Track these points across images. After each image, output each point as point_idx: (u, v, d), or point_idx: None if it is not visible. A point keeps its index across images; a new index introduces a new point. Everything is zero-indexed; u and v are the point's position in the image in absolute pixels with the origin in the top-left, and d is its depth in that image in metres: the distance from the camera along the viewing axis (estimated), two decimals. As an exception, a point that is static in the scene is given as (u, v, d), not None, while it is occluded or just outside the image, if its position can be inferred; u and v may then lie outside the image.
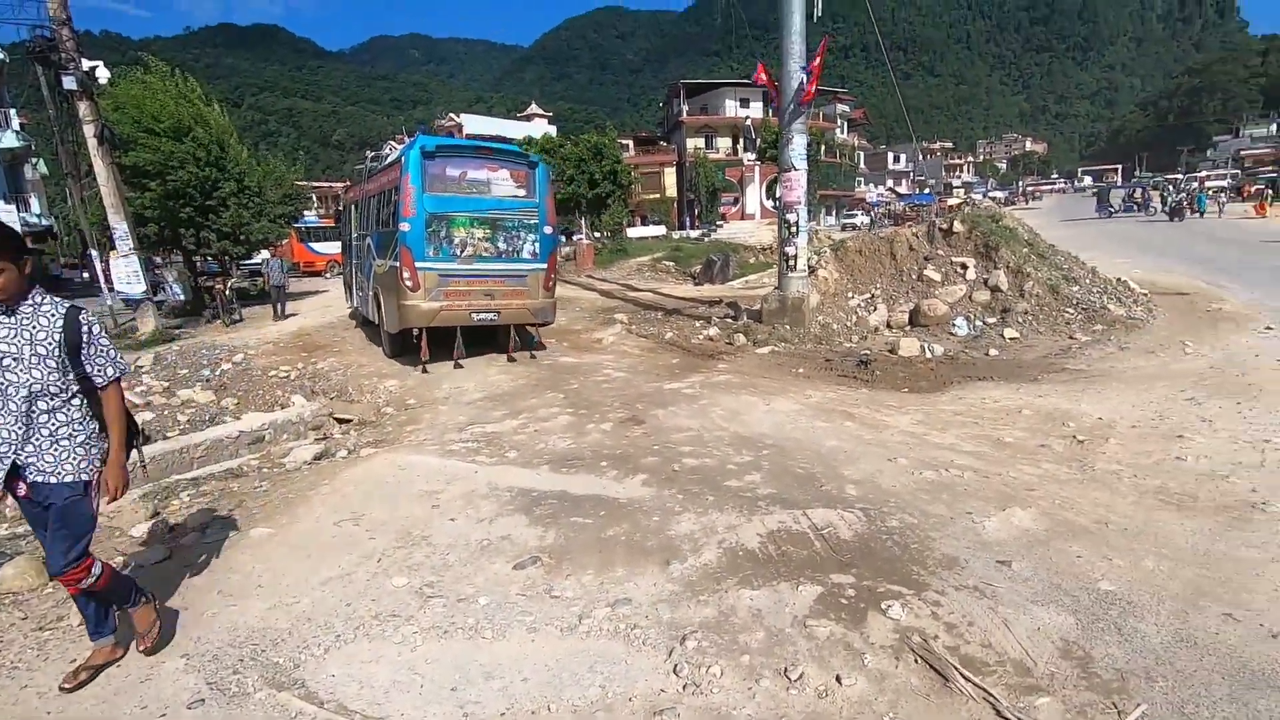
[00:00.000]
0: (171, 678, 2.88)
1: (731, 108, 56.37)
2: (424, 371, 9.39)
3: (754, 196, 29.35)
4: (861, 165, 78.54)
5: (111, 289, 13.42)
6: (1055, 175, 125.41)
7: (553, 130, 53.66)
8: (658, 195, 53.38)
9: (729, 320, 11.18)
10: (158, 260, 19.92)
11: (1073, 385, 6.74)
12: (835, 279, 11.27)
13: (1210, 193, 35.46)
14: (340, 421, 8.19)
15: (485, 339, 10.42)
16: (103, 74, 12.65)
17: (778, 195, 10.50)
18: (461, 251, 9.25)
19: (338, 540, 4.18)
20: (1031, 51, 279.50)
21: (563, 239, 31.65)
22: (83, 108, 12.65)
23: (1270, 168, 64.44)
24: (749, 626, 3.05)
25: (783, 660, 2.80)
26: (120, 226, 12.67)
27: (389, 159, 11.48)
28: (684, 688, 2.68)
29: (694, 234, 39.52)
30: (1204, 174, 66.30)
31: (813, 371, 8.10)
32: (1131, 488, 4.28)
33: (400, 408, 7.96)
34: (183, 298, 17.92)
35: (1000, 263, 10.39)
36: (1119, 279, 11.08)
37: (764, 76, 10.51)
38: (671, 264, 23.21)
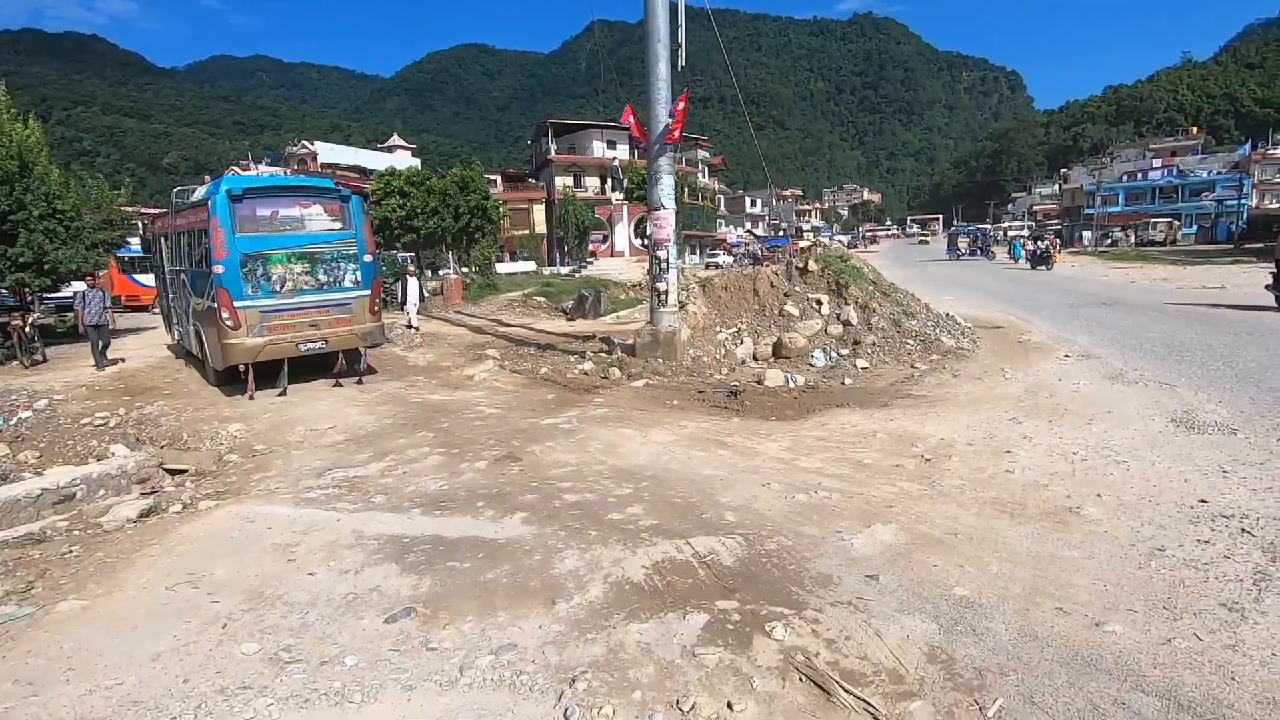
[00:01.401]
0: (-54, 794, 2.35)
1: (599, 148, 57.77)
2: (250, 399, 9.46)
3: (623, 234, 30.06)
4: (722, 208, 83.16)
5: None
6: (889, 222, 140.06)
7: (416, 163, 52.22)
8: (527, 231, 53.27)
9: (603, 354, 11.25)
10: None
11: (917, 409, 7.40)
12: (704, 314, 11.73)
13: (1022, 241, 41.37)
14: (172, 473, 7.28)
15: (318, 366, 10.65)
16: None
17: (648, 233, 10.83)
18: (281, 287, 9.59)
19: (171, 607, 3.66)
20: (865, 112, 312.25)
21: (429, 273, 30.68)
22: None
23: (1055, 221, 76.15)
24: (639, 661, 3.00)
25: (674, 693, 2.77)
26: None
27: (195, 196, 11.23)
28: (575, 733, 2.57)
29: (564, 270, 39.74)
30: (1006, 224, 77.17)
31: (686, 403, 8.30)
32: (973, 500, 4.73)
33: (246, 454, 7.21)
34: (-33, 335, 15.27)
35: (850, 299, 11.31)
36: (947, 314, 12.42)
37: (631, 119, 10.89)
38: (543, 299, 23.10)
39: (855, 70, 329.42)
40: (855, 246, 67.23)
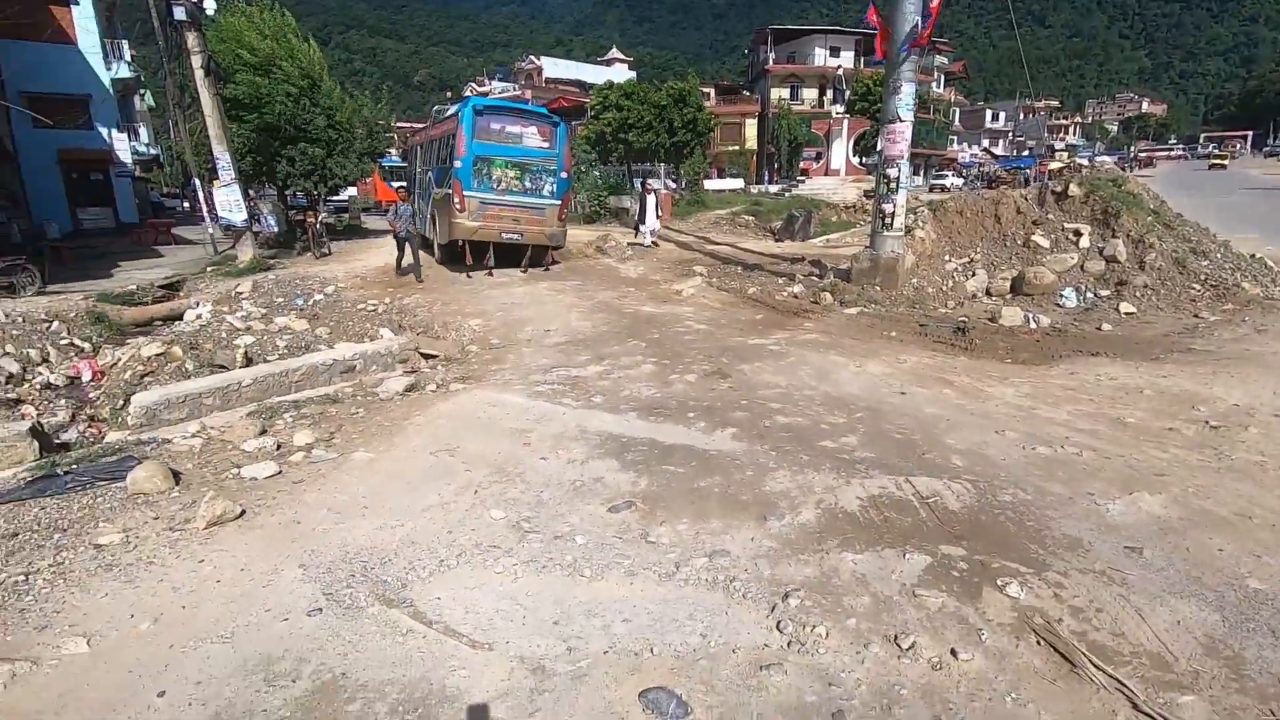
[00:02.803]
0: (291, 585, 3.03)
1: (821, 56, 53.59)
2: (468, 276, 12.45)
3: (840, 151, 27.85)
4: (956, 122, 73.94)
5: (215, 217, 14.02)
6: (1173, 140, 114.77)
7: (633, 75, 52.55)
8: (737, 147, 51.73)
9: (814, 278, 10.79)
10: (253, 193, 20.70)
11: (1201, 366, 6.19)
12: (932, 240, 10.67)
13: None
14: (425, 357, 8.41)
15: (518, 259, 13.15)
16: (210, 4, 12.98)
17: (878, 148, 9.93)
18: (497, 186, 12.08)
19: (435, 470, 4.28)
20: (1159, 0, 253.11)
21: (638, 187, 31.29)
22: (190, 39, 13.07)
23: None
24: (853, 590, 2.95)
25: (892, 627, 2.69)
26: (223, 157, 13.18)
27: (448, 113, 14.62)
28: (788, 644, 2.62)
29: (773, 189, 38.34)
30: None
31: (905, 335, 7.73)
32: (1277, 480, 3.90)
33: (484, 347, 8.09)
34: (276, 229, 18.65)
35: (1120, 231, 9.56)
36: (1254, 255, 10.07)
37: (875, 17, 9.82)
38: (751, 218, 22.58)
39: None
40: (1122, 170, 56.46)
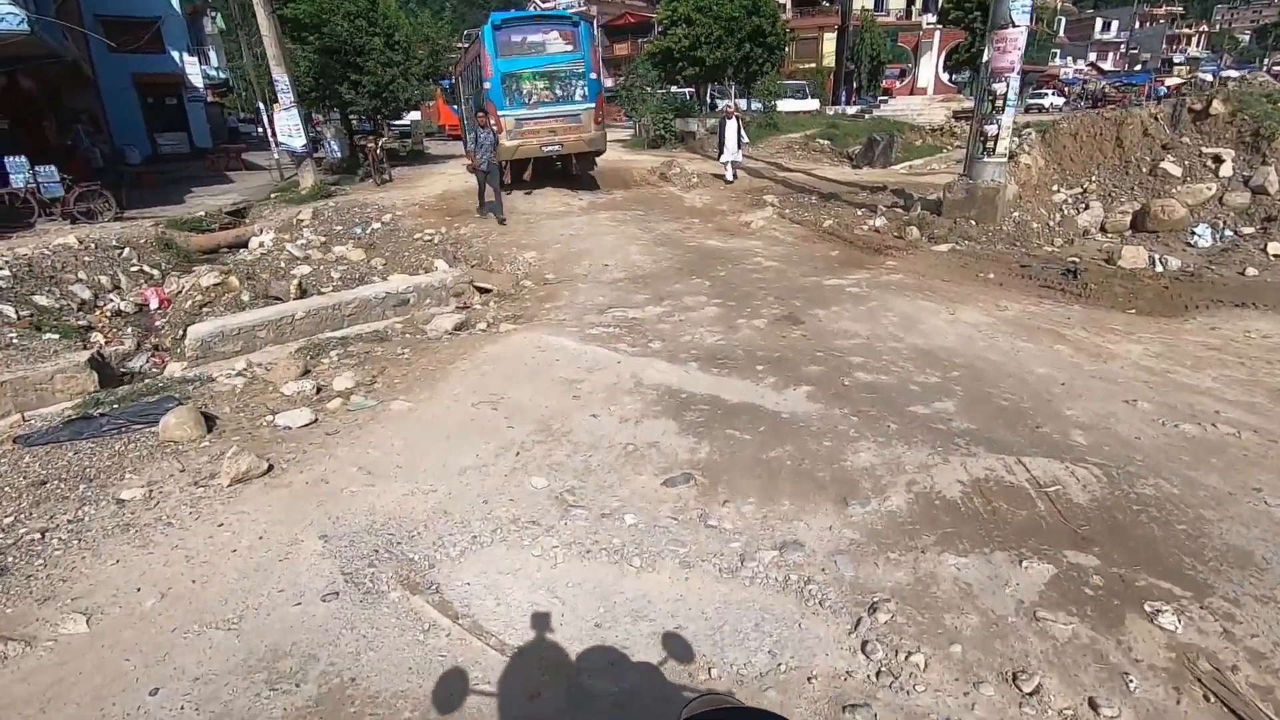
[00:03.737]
0: (309, 561, 2.73)
1: (912, -42, 48.70)
2: (507, 193, 11.98)
3: (928, 67, 25.16)
4: (1061, 34, 66.82)
5: (277, 142, 13.86)
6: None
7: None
8: (813, 64, 48.32)
9: (898, 210, 9.76)
10: (319, 117, 20.52)
11: (1377, 324, 5.17)
12: (1039, 168, 9.41)
13: None
14: (480, 290, 8.06)
15: (559, 174, 13.79)
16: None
17: (984, 59, 8.66)
18: (529, 100, 11.85)
19: (476, 424, 3.92)
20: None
21: (703, 109, 29.62)
22: (244, -48, 12.57)
23: None
24: (957, 605, 2.43)
25: (1008, 661, 2.18)
26: (281, 79, 12.86)
27: (475, 36, 14.42)
28: (877, 674, 2.15)
29: (850, 110, 35.77)
30: None
31: (1005, 278, 6.84)
32: None
33: (539, 281, 7.65)
34: (340, 155, 18.49)
35: (1273, 157, 8.14)
36: None
37: (991, -100, 8.36)
38: (826, 143, 20.96)
39: None
40: (1256, 85, 49.89)
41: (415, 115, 32.44)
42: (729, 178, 13.87)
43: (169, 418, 3.80)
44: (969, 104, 28.11)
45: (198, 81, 26.31)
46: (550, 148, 12.12)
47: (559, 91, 11.96)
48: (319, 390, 4.56)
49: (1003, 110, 8.54)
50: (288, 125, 13.01)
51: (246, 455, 3.37)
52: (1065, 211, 8.76)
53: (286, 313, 6.92)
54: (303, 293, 7.76)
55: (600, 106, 12.52)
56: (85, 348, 6.27)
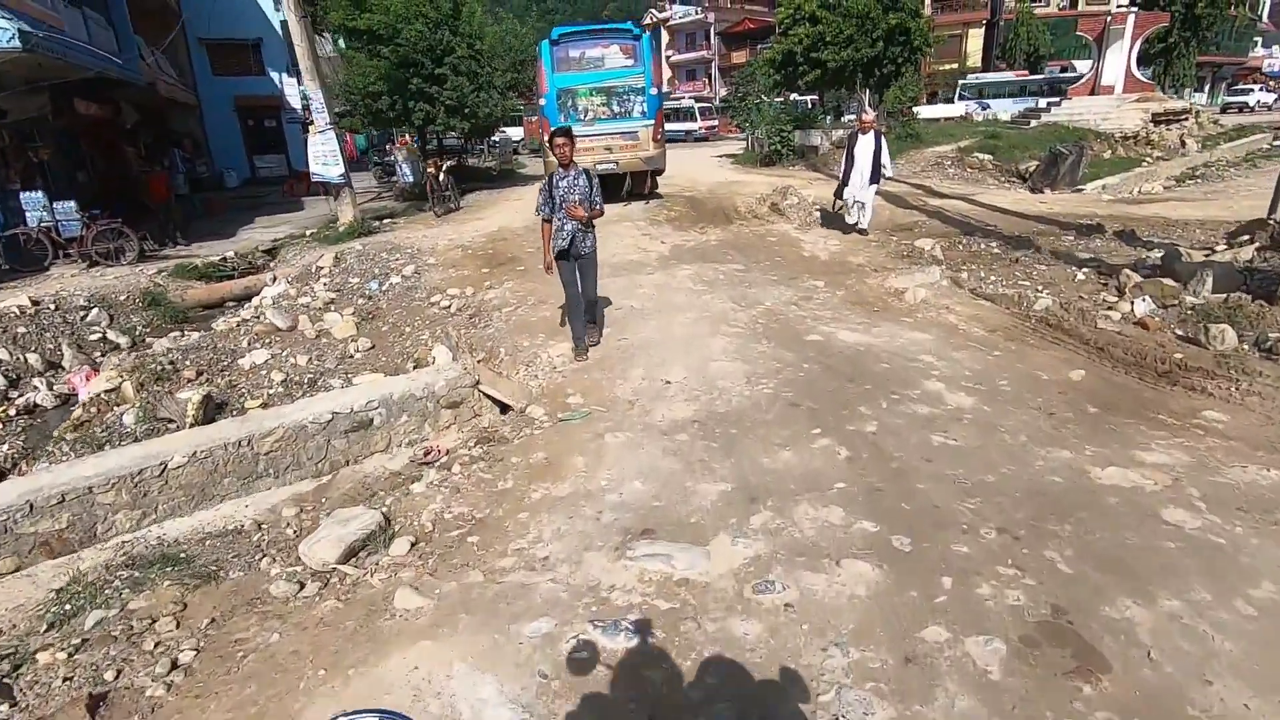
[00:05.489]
0: None
1: (1081, -61, 42.08)
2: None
3: (1116, 60, 19.95)
4: (1264, 18, 56.35)
5: (311, 172, 11.72)
6: None
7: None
8: (955, 65, 42.88)
9: (1166, 284, 5.93)
10: (403, 138, 18.79)
11: None
12: None
13: None
14: (498, 405, 5.26)
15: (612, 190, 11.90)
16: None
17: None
18: (584, 116, 11.27)
19: None
20: None
21: (828, 119, 25.95)
22: (283, -52, 10.64)
23: None
24: None
25: None
26: (316, 96, 10.79)
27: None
28: None
29: (1005, 114, 30.65)
30: None
31: None
32: None
33: (554, 407, 4.65)
34: (411, 179, 16.59)
35: None
36: None
37: None
38: (986, 157, 16.73)
39: None
40: None
41: (518, 131, 30.81)
42: (855, 221, 9.17)
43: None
44: (1174, 104, 22.55)
45: (295, 103, 25.80)
46: (605, 166, 11.20)
47: (616, 108, 11.48)
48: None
49: None
50: (323, 151, 10.90)
51: None
52: None
53: (153, 458, 4.37)
54: (212, 411, 5.20)
55: (660, 123, 11.81)
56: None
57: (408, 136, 19.44)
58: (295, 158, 26.14)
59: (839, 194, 9.27)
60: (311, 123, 11.02)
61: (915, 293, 6.47)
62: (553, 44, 11.15)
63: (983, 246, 8.22)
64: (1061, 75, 35.20)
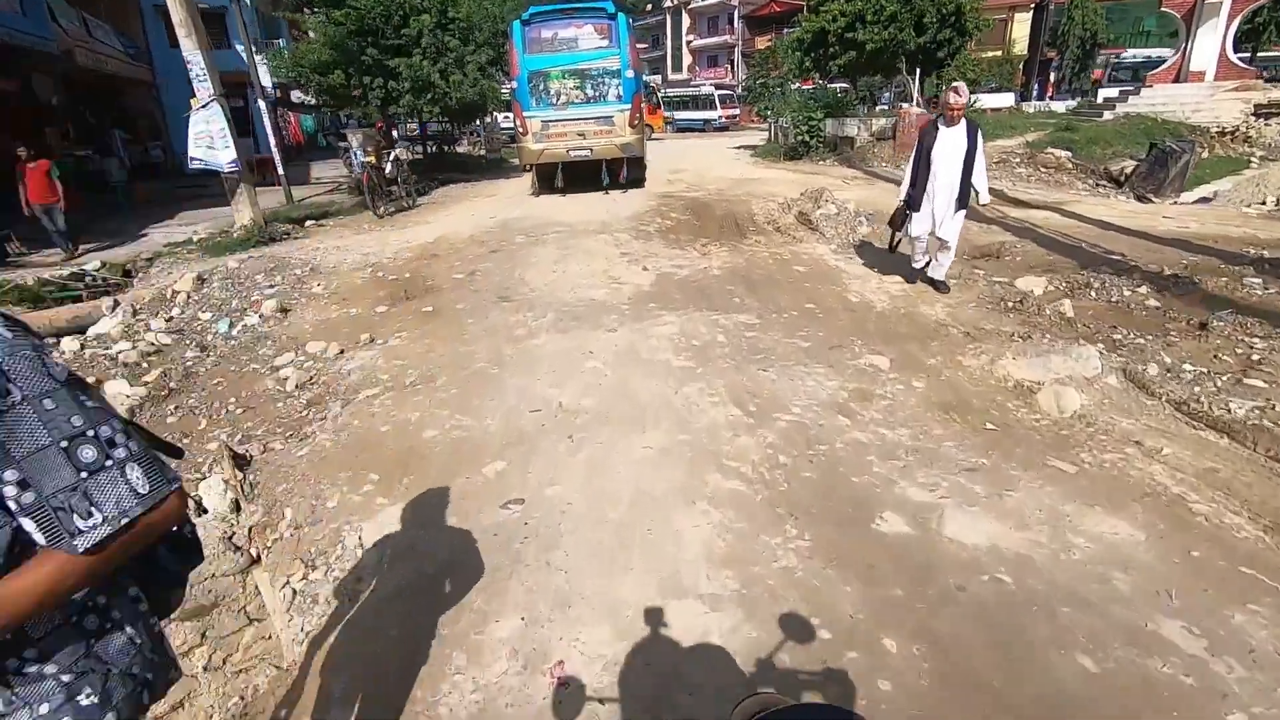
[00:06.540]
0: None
1: (1142, -84, 38.28)
2: (535, 197, 11.70)
3: (1208, 42, 16.75)
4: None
5: (191, 157, 8.86)
6: None
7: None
8: (999, 51, 39.40)
9: None
10: (347, 121, 16.14)
11: None
12: None
13: None
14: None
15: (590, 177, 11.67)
16: None
17: None
18: (557, 100, 11.00)
19: None
20: None
21: (864, 108, 22.92)
22: None
23: None
24: None
25: None
26: (194, 59, 8.07)
27: None
28: None
29: (1058, 106, 27.40)
30: None
31: None
32: None
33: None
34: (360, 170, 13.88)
35: None
36: None
37: None
38: (1064, 154, 13.61)
39: None
40: None
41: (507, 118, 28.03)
42: (924, 266, 6.00)
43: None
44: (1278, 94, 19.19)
45: (266, 80, 23.15)
46: (579, 151, 11.03)
47: (590, 91, 11.00)
48: None
49: None
50: (207, 131, 8.20)
51: None
52: None
53: None
54: None
55: (637, 107, 11.22)
56: None
57: (381, 121, 16.77)
58: (262, 141, 23.60)
59: (899, 221, 5.91)
60: (194, 96, 8.31)
61: (1058, 397, 3.63)
62: (524, 24, 10.69)
63: (1125, 291, 5.34)
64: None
